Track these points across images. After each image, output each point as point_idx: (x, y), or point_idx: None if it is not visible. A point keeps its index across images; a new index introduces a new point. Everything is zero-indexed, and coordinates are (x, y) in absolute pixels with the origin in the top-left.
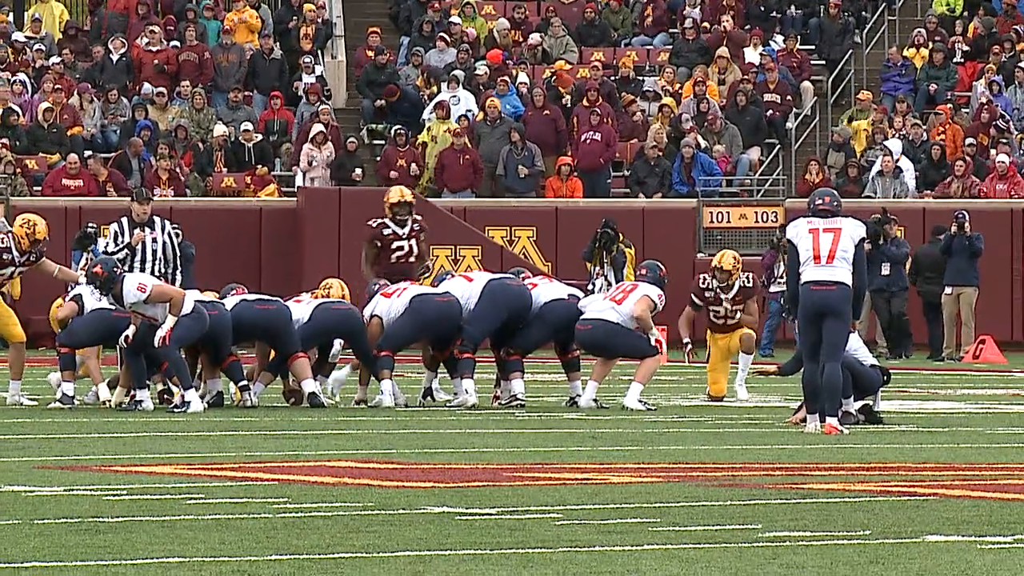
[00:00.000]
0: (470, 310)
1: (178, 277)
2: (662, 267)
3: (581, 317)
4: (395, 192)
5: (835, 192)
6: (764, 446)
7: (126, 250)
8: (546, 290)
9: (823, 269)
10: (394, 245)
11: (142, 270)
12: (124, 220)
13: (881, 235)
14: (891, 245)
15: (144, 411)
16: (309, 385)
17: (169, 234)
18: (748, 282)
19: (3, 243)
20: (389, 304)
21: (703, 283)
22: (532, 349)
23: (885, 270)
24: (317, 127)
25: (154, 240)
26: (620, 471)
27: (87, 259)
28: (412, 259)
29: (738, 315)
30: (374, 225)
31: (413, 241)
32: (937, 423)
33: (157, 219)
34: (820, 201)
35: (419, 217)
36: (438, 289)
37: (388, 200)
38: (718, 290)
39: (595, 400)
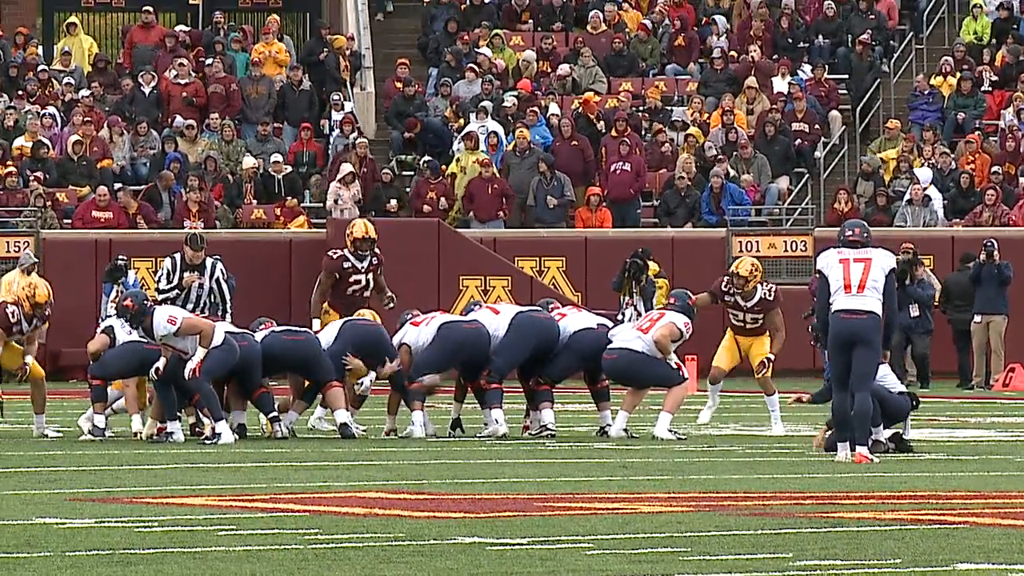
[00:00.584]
0: (498, 340)
1: (226, 320)
2: (691, 296)
3: (608, 346)
4: (359, 227)
5: (865, 223)
6: (794, 475)
7: (176, 290)
8: (574, 320)
9: (854, 298)
10: (352, 278)
11: (192, 311)
12: (177, 258)
13: (909, 275)
14: (918, 286)
15: (175, 443)
16: (341, 416)
17: (217, 279)
18: (770, 295)
19: (15, 316)
20: (417, 333)
21: (725, 285)
22: (561, 379)
23: (914, 311)
24: (346, 167)
25: (200, 286)
26: (650, 501)
27: (118, 291)
28: (367, 293)
29: (760, 322)
30: (335, 257)
31: (371, 275)
32: (967, 451)
33: (208, 261)
34: (850, 232)
35: (378, 251)
36: (466, 317)
37: (352, 234)
38: (738, 297)
39: (625, 430)
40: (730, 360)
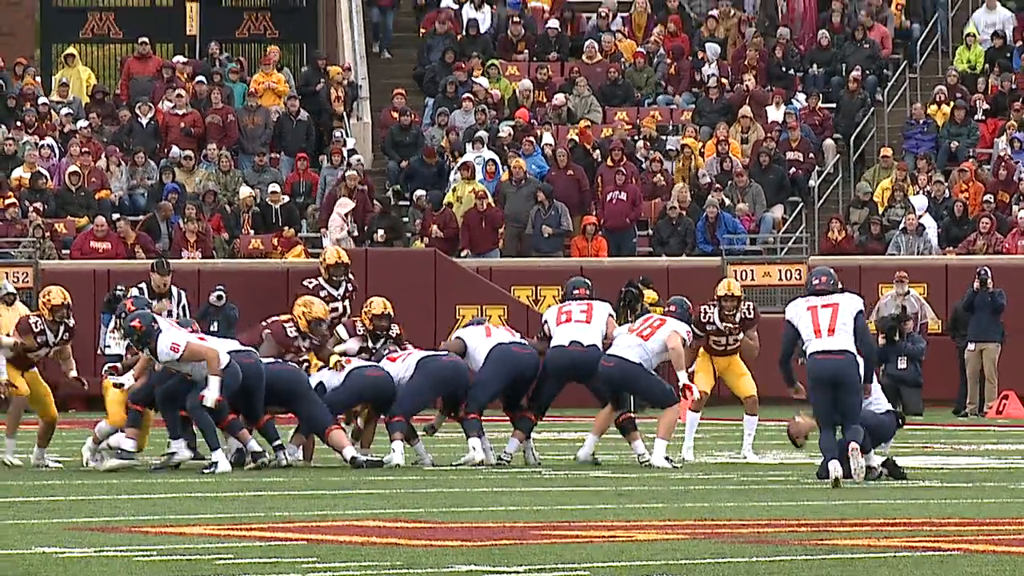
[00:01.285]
0: (478, 368)
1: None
2: (689, 303)
3: (606, 353)
4: (332, 253)
5: (831, 271)
6: (789, 502)
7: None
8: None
9: (825, 341)
10: (330, 306)
11: None
12: (144, 287)
13: (898, 331)
14: (907, 341)
15: (181, 460)
16: (349, 452)
17: (184, 307)
18: (750, 313)
19: (37, 327)
20: (396, 369)
21: (704, 316)
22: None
23: (901, 363)
24: (347, 203)
25: (169, 313)
26: (646, 528)
27: (116, 322)
28: (344, 319)
29: (737, 343)
30: (311, 287)
31: (347, 302)
32: (961, 478)
33: (175, 290)
34: (817, 280)
35: (352, 277)
36: (442, 351)
37: (325, 261)
38: (719, 322)
39: (593, 455)
40: (707, 383)
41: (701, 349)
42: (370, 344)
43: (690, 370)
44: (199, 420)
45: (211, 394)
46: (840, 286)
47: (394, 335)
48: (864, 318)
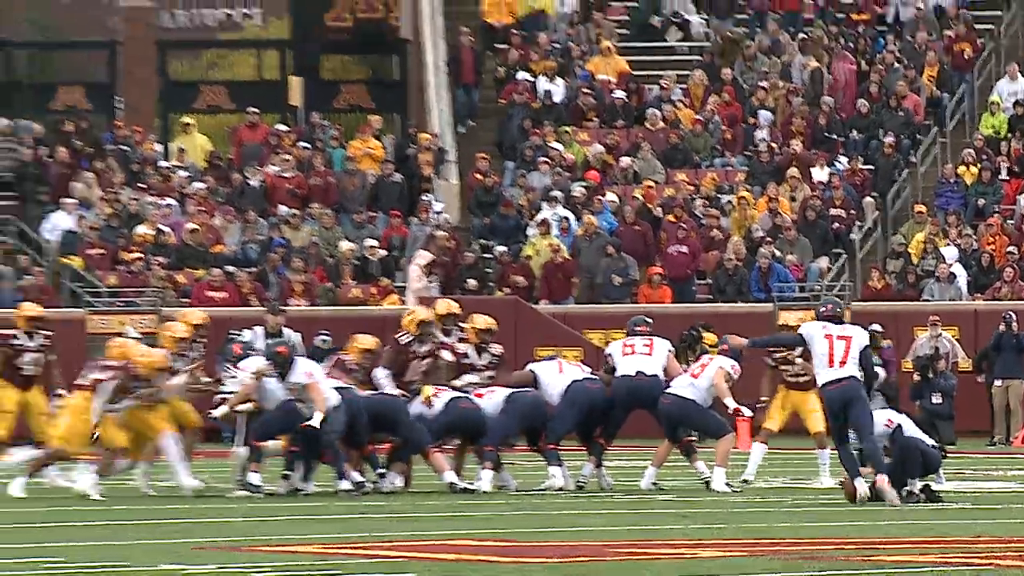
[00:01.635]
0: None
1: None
2: (738, 342)
3: (665, 392)
4: (442, 305)
5: (838, 300)
6: (838, 523)
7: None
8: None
9: (836, 370)
10: (476, 375)
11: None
12: (259, 329)
13: (931, 370)
14: (940, 379)
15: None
16: (449, 476)
17: (294, 347)
18: None
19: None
20: (485, 403)
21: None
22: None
23: (935, 398)
24: (426, 255)
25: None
26: (709, 546)
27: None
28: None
29: (809, 372)
30: (402, 341)
31: (491, 372)
32: (991, 501)
33: (287, 331)
34: (824, 308)
35: (500, 348)
36: (526, 388)
37: (436, 311)
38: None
39: (655, 483)
40: (780, 420)
41: (780, 389)
42: (473, 357)
43: (765, 399)
44: (333, 452)
45: (314, 423)
46: (843, 313)
47: (498, 353)
48: (869, 352)
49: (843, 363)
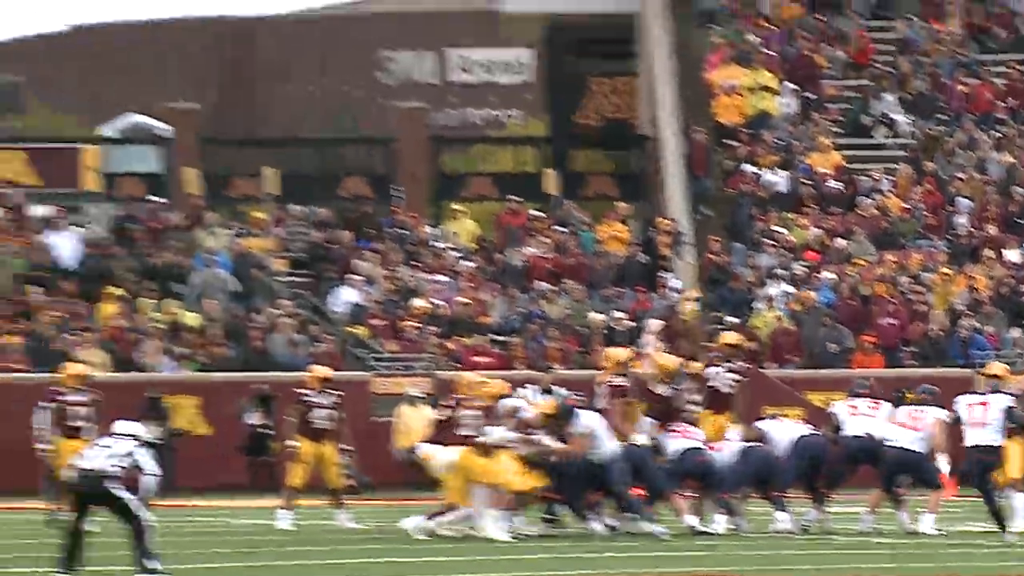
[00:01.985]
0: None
1: None
2: (937, 389)
3: (890, 444)
4: (730, 336)
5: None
6: None
7: None
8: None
9: (981, 433)
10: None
11: None
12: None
13: None
14: None
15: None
16: (690, 519)
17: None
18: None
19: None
20: (719, 455)
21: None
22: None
23: None
24: (657, 323)
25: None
26: None
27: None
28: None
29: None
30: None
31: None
32: None
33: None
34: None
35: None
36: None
37: (723, 340)
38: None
39: (938, 529)
40: (1020, 461)
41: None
42: (714, 369)
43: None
44: (619, 493)
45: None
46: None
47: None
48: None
49: (983, 424)
